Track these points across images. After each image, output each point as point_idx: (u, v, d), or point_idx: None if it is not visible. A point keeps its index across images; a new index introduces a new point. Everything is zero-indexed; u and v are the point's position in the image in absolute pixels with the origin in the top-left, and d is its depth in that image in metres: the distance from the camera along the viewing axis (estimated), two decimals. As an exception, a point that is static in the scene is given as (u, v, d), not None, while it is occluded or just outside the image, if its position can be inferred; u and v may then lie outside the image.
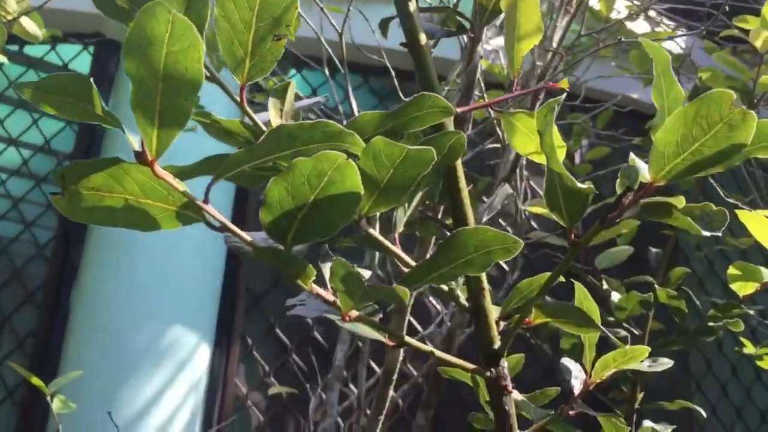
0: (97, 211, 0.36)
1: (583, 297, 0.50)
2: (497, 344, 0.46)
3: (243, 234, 0.37)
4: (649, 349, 0.51)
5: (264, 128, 0.43)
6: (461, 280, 0.46)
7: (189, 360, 2.34)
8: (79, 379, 2.11)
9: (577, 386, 0.51)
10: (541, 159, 0.52)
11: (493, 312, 0.47)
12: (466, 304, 0.46)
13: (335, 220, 0.37)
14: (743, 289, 0.97)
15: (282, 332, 2.54)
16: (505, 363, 0.47)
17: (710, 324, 0.96)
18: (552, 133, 0.39)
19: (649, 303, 0.98)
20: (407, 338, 0.41)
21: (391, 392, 0.71)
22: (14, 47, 2.74)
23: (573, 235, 0.41)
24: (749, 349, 2.30)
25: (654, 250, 1.12)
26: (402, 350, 0.69)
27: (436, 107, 0.42)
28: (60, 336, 2.32)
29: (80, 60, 2.73)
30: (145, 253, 2.37)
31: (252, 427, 2.44)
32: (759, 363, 2.28)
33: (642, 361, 0.51)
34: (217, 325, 2.44)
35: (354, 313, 0.39)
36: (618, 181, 0.40)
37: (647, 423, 0.99)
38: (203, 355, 2.36)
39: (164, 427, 2.25)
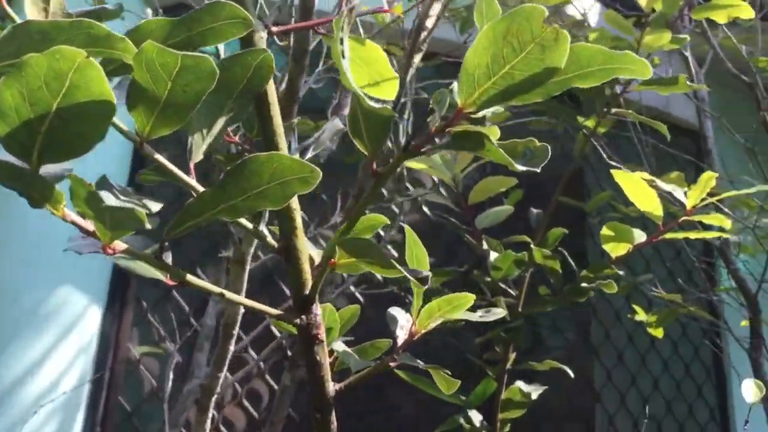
0: None
1: (412, 242, 0.47)
2: (307, 290, 0.42)
3: None
4: (473, 297, 0.48)
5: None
6: (265, 215, 0.42)
7: (77, 323, 2.25)
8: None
9: (402, 336, 0.48)
10: (375, 92, 0.48)
11: (308, 254, 0.43)
12: (275, 244, 0.42)
13: (87, 135, 0.32)
14: (615, 250, 0.96)
15: (180, 296, 2.46)
16: (318, 310, 0.43)
17: (582, 284, 0.95)
18: (338, 46, 0.35)
19: (523, 262, 0.96)
20: (190, 277, 0.37)
21: (231, 348, 0.67)
22: None
23: (375, 165, 0.37)
24: (641, 316, 2.36)
25: (535, 210, 1.11)
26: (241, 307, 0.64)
27: (234, 17, 0.37)
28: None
29: None
30: (31, 216, 2.25)
31: (145, 392, 2.36)
32: (651, 330, 2.35)
33: (473, 311, 0.48)
34: (109, 288, 2.35)
35: (120, 245, 0.34)
36: (429, 107, 0.37)
37: (518, 383, 0.99)
38: (93, 317, 2.27)
39: (49, 391, 2.15)
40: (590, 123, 1.25)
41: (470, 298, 0.47)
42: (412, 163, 0.99)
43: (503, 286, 1.03)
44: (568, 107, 1.11)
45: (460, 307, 0.47)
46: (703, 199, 0.96)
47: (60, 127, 0.31)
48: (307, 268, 0.42)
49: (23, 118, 0.30)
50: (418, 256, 0.46)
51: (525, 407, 0.94)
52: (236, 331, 0.66)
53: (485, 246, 1.04)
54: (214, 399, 0.68)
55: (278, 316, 0.41)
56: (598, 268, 0.95)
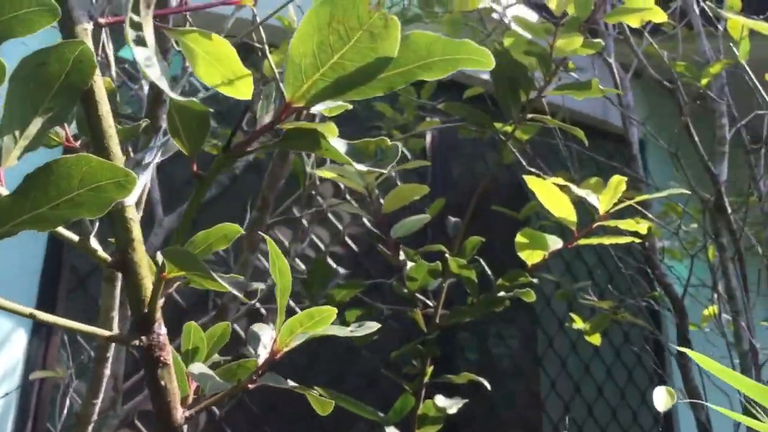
0: None
1: (275, 256, 0.44)
2: (146, 308, 0.38)
3: None
4: (335, 311, 0.45)
5: None
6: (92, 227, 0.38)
7: (2, 347, 2.15)
8: None
9: (263, 354, 0.44)
10: (230, 91, 0.45)
11: (147, 268, 0.39)
12: (108, 258, 0.38)
13: None
14: (531, 257, 0.94)
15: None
16: (162, 329, 0.39)
17: (500, 294, 0.93)
18: (129, 32, 0.32)
19: (437, 272, 0.94)
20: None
21: (107, 372, 0.62)
22: None
23: (195, 167, 0.34)
24: (578, 324, 2.36)
25: (453, 219, 1.09)
26: (114, 321, 0.60)
27: (41, 5, 0.33)
28: None
29: None
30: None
31: (73, 417, 2.27)
32: (588, 338, 2.35)
33: (334, 325, 0.45)
34: (36, 308, 2.25)
35: None
36: (259, 104, 0.34)
37: (436, 397, 0.96)
38: (19, 340, 2.18)
39: (-29, 421, 2.06)
40: (508, 129, 1.24)
41: (331, 311, 0.44)
42: (323, 172, 0.96)
43: (422, 297, 1.01)
44: (483, 113, 1.09)
45: (322, 322, 0.43)
46: (618, 203, 0.95)
47: None
48: (147, 283, 0.39)
49: None
50: (281, 268, 0.43)
51: (440, 422, 0.92)
52: (110, 354, 0.62)
53: (402, 257, 1.01)
54: (90, 428, 0.63)
55: (111, 338, 0.37)
56: (513, 276, 0.93)
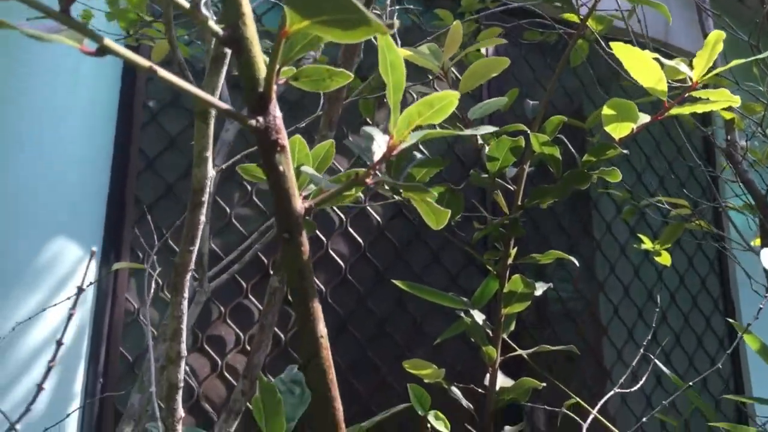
0: None
1: (386, 48, 0.41)
2: (262, 87, 0.36)
3: None
4: (457, 95, 0.42)
5: None
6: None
7: (73, 274, 2.21)
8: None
9: (378, 151, 0.42)
10: None
11: (259, 44, 0.37)
12: (219, 32, 0.36)
13: None
14: (618, 130, 0.90)
15: (175, 244, 2.42)
16: (276, 112, 0.37)
17: (585, 170, 0.89)
18: None
19: (520, 149, 0.90)
20: (109, 42, 0.31)
21: (202, 218, 0.61)
22: None
23: None
24: (647, 245, 2.31)
25: (531, 102, 1.05)
26: (209, 161, 0.58)
27: None
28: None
29: None
30: (22, 167, 2.20)
31: (145, 343, 2.33)
32: (658, 259, 2.29)
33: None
34: (104, 238, 2.30)
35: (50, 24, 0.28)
36: None
37: (515, 276, 0.93)
38: (90, 269, 2.22)
39: (48, 344, 2.12)
40: (574, 18, 1.19)
41: (454, 96, 0.41)
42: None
43: (501, 181, 0.97)
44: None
45: (443, 110, 0.41)
46: (708, 71, 0.90)
47: None
48: (260, 59, 0.37)
49: None
50: (393, 62, 0.40)
51: (529, 299, 0.89)
52: (205, 198, 0.61)
53: (480, 140, 0.98)
54: (188, 277, 0.63)
55: (229, 112, 0.36)
56: (601, 150, 0.89)
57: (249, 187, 2.54)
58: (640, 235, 2.15)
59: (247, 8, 0.37)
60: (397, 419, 0.91)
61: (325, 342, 0.40)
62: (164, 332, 1.05)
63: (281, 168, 0.37)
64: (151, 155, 2.47)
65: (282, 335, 2.42)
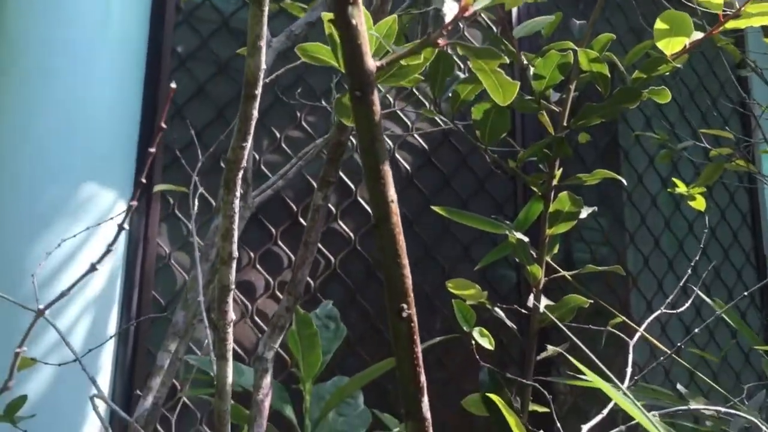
0: None
1: None
2: (371, 63, 0.35)
3: None
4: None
5: None
6: None
7: (106, 218, 2.22)
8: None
9: (449, 12, 0.41)
10: None
11: None
12: (331, 15, 0.34)
13: None
14: (671, 46, 0.88)
15: (205, 190, 2.42)
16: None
17: (635, 87, 0.87)
18: None
19: (568, 66, 0.88)
20: None
21: (255, 112, 0.60)
22: None
23: None
24: (681, 188, 2.27)
25: (578, 21, 1.02)
26: (263, 51, 0.57)
27: None
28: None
29: None
30: (52, 111, 2.20)
31: (177, 287, 2.35)
32: (693, 204, 2.25)
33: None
34: (134, 183, 2.31)
35: None
36: None
37: (562, 193, 0.92)
38: (120, 214, 2.24)
39: (83, 285, 2.14)
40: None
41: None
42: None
43: (546, 103, 0.95)
44: None
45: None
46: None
47: None
48: (365, 39, 0.35)
49: None
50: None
51: (575, 219, 0.88)
52: (258, 91, 0.60)
53: (524, 61, 0.96)
54: (241, 174, 0.62)
55: None
56: (652, 65, 0.86)
57: (298, 114, 2.53)
58: (675, 180, 2.11)
59: None
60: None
61: (395, 207, 0.39)
62: (207, 251, 1.05)
63: (354, 21, 0.36)
64: (181, 102, 2.46)
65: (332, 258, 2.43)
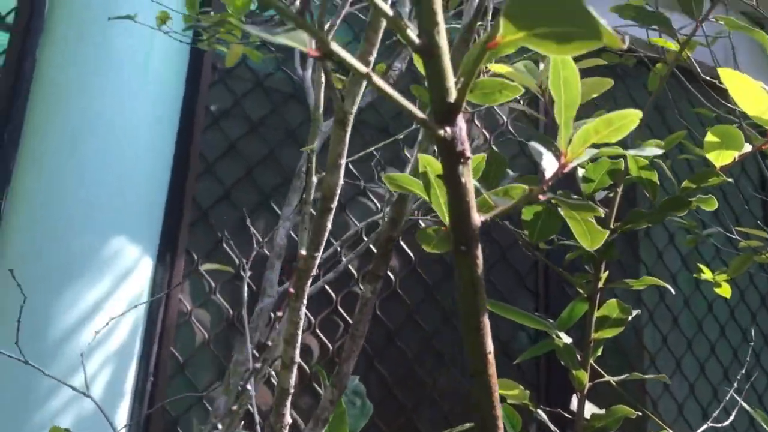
0: None
1: (561, 64, 0.40)
2: (452, 96, 0.36)
3: None
4: (639, 114, 0.42)
5: None
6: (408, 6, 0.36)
7: (130, 273, 2.23)
8: (11, 287, 1.98)
9: (549, 168, 0.42)
10: None
11: (448, 54, 0.37)
12: (416, 41, 0.36)
13: None
14: (721, 158, 0.89)
15: (229, 248, 2.44)
16: (462, 123, 0.37)
17: (684, 196, 0.88)
18: None
19: (618, 172, 0.89)
20: (336, 47, 0.31)
21: (329, 224, 0.61)
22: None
23: None
24: (707, 275, 2.26)
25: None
26: (342, 168, 0.59)
27: None
28: (-10, 242, 2.18)
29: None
30: (87, 159, 2.23)
31: (196, 344, 2.34)
32: (718, 290, 2.25)
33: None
34: (161, 238, 2.32)
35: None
36: None
37: (612, 301, 0.92)
38: (146, 268, 2.25)
39: (103, 340, 2.14)
40: (670, 46, 1.17)
41: (636, 115, 0.41)
42: (495, 67, 0.93)
43: (593, 204, 0.96)
44: (663, 16, 1.03)
45: (622, 129, 0.40)
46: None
47: None
48: (450, 69, 0.37)
49: None
50: (567, 78, 0.40)
51: (622, 325, 0.88)
52: (334, 205, 0.61)
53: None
54: (309, 282, 0.63)
55: (421, 120, 0.36)
56: (702, 177, 0.88)
57: (341, 202, 2.55)
58: (700, 265, 2.11)
59: (440, 18, 0.37)
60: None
61: (491, 358, 0.39)
62: (251, 334, 1.06)
63: (463, 180, 0.37)
64: (211, 159, 2.50)
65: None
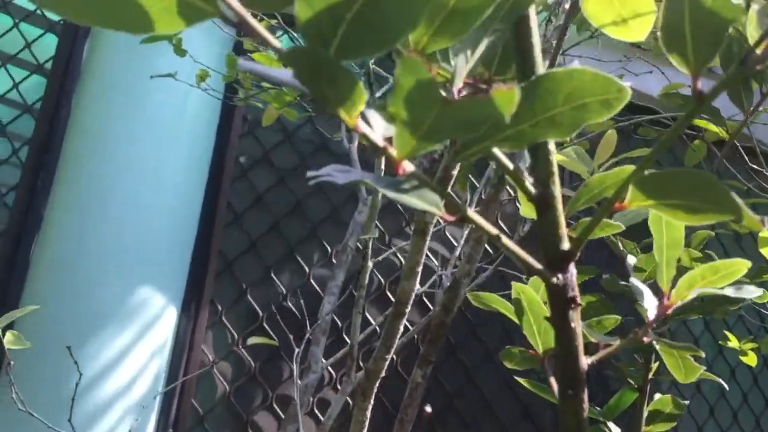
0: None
1: (669, 225, 0.41)
2: (566, 244, 0.37)
3: (266, 34, 0.27)
4: (748, 264, 0.42)
5: None
6: (526, 156, 0.37)
7: (155, 322, 2.23)
8: (40, 330, 1.98)
9: (651, 309, 0.42)
10: (616, 33, 0.43)
11: (562, 204, 0.37)
12: (532, 190, 0.36)
13: (395, 26, 0.27)
14: (775, 250, 0.89)
15: (254, 300, 2.44)
16: (573, 270, 0.37)
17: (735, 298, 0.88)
18: None
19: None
20: (470, 212, 0.31)
21: (401, 328, 0.62)
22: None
23: (698, 85, 0.32)
24: (734, 343, 2.24)
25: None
26: (418, 276, 0.59)
27: None
28: (18, 289, 2.19)
29: (44, 41, 2.56)
30: (116, 210, 2.25)
31: (217, 397, 2.33)
32: (743, 358, 2.22)
33: (727, 286, 0.42)
34: (186, 289, 2.33)
35: (408, 165, 0.29)
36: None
37: (665, 396, 0.91)
38: (170, 318, 2.25)
39: (125, 390, 2.14)
40: (723, 134, 1.18)
41: (744, 264, 0.41)
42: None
43: (694, 346, 0.97)
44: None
45: (729, 276, 0.41)
46: None
47: (367, 14, 0.26)
48: (563, 218, 0.37)
49: (331, 1, 0.26)
50: (675, 239, 0.40)
51: (674, 420, 0.87)
52: (407, 310, 0.61)
53: (622, 247, 0.97)
54: (377, 383, 0.63)
55: (533, 269, 0.36)
56: (759, 273, 0.88)
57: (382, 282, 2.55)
58: (726, 332, 2.09)
59: (555, 167, 0.37)
60: None
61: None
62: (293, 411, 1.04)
63: (573, 324, 0.37)
64: (239, 209, 2.51)
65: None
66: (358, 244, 0.74)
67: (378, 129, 0.28)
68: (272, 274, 2.47)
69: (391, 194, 0.30)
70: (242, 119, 2.59)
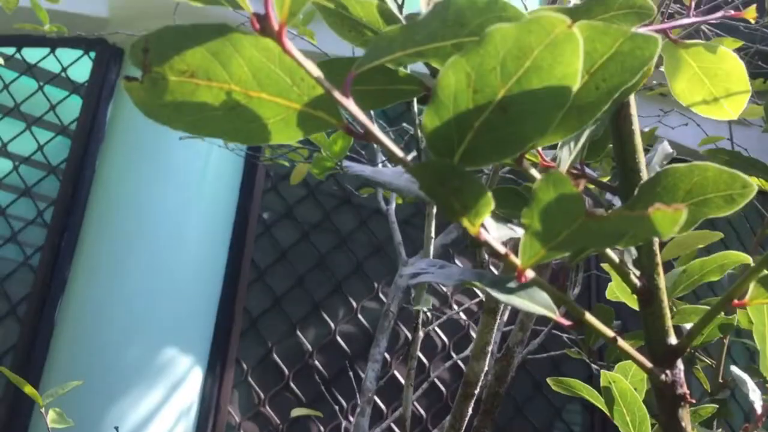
0: (185, 110, 0.25)
1: None
2: (673, 338, 0.35)
3: (394, 148, 0.26)
4: None
5: (403, 20, 0.33)
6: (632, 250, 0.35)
7: (181, 383, 2.20)
8: (65, 395, 1.96)
9: (758, 403, 0.40)
10: (707, 112, 0.42)
11: (668, 296, 0.36)
12: (638, 283, 0.35)
13: (526, 134, 0.26)
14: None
15: (279, 358, 2.41)
16: (681, 365, 0.36)
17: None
18: None
19: (731, 326, 0.87)
20: (589, 316, 0.30)
21: (470, 410, 0.59)
22: (10, 50, 2.63)
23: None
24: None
25: (727, 272, 1.02)
26: (488, 356, 0.57)
27: (629, 6, 0.32)
28: (43, 351, 2.18)
29: (80, 66, 2.63)
30: (139, 270, 2.24)
31: (242, 458, 2.29)
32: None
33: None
34: (211, 348, 2.31)
35: (530, 273, 0.28)
36: None
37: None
38: (196, 378, 2.23)
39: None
40: None
41: None
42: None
43: (697, 354, 0.94)
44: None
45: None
46: None
47: (496, 121, 0.25)
48: (668, 312, 0.35)
49: (459, 110, 0.25)
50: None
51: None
52: (477, 391, 0.59)
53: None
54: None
55: (648, 370, 0.34)
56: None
57: (446, 340, 2.52)
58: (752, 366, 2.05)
59: (659, 259, 0.36)
60: None
61: None
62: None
63: (683, 423, 0.36)
64: (263, 266, 2.50)
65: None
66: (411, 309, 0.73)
67: (494, 234, 0.27)
68: (297, 331, 2.45)
69: (501, 296, 0.29)
70: (265, 174, 2.59)
